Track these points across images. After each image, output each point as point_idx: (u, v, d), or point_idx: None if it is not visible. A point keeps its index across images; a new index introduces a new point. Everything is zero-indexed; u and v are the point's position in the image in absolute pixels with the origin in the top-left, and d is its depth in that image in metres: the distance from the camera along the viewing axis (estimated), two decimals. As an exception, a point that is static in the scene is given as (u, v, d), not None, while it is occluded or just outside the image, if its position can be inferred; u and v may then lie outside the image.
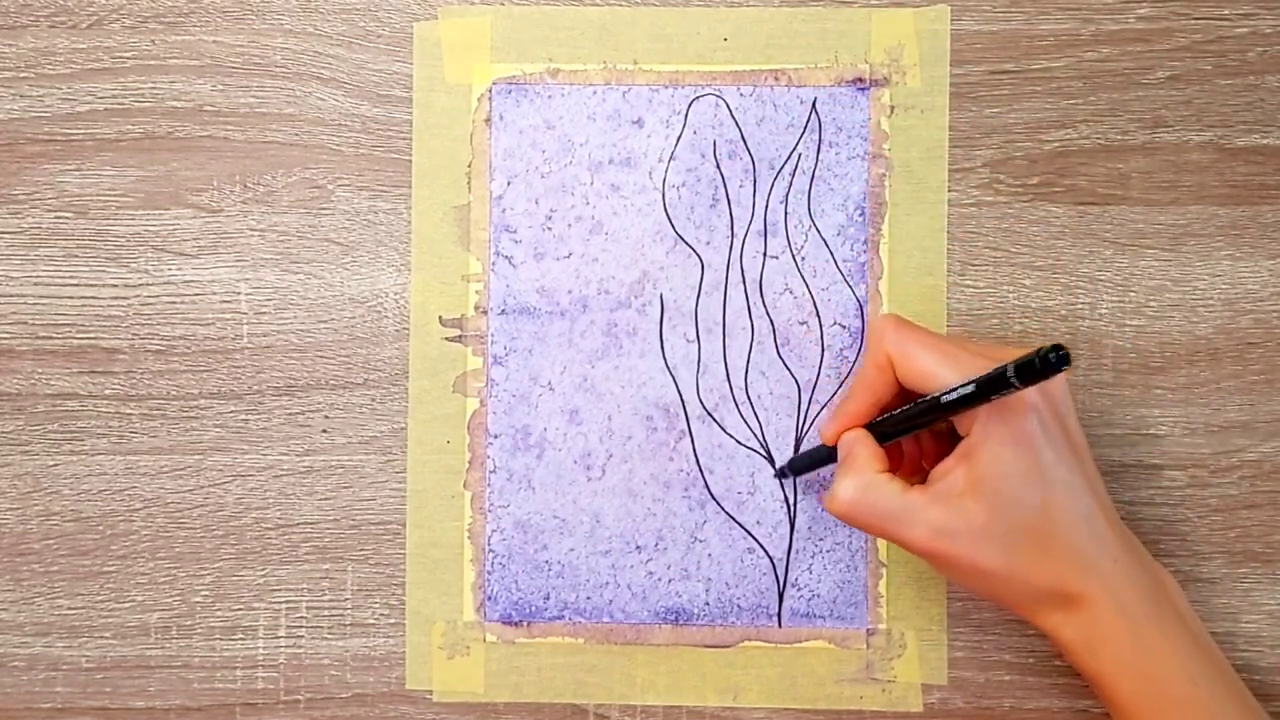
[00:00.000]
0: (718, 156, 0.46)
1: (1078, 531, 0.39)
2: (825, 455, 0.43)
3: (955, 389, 0.38)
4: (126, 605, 0.47)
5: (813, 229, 0.46)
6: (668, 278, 0.46)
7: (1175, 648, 0.39)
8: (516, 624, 0.46)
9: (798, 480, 0.46)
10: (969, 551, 0.38)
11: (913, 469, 0.44)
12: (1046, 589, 0.39)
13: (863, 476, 0.40)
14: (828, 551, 0.46)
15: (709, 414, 0.46)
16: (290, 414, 0.46)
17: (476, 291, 0.46)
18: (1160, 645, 0.39)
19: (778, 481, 0.46)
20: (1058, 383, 0.40)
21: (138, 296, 0.47)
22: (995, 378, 0.36)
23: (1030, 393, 0.38)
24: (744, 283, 0.46)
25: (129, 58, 0.47)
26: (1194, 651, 0.39)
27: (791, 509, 0.46)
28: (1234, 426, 0.46)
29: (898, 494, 0.39)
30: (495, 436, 0.46)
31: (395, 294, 0.46)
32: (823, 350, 0.46)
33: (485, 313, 0.46)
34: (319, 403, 0.46)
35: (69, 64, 0.47)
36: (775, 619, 0.46)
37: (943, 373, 0.39)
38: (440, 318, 0.46)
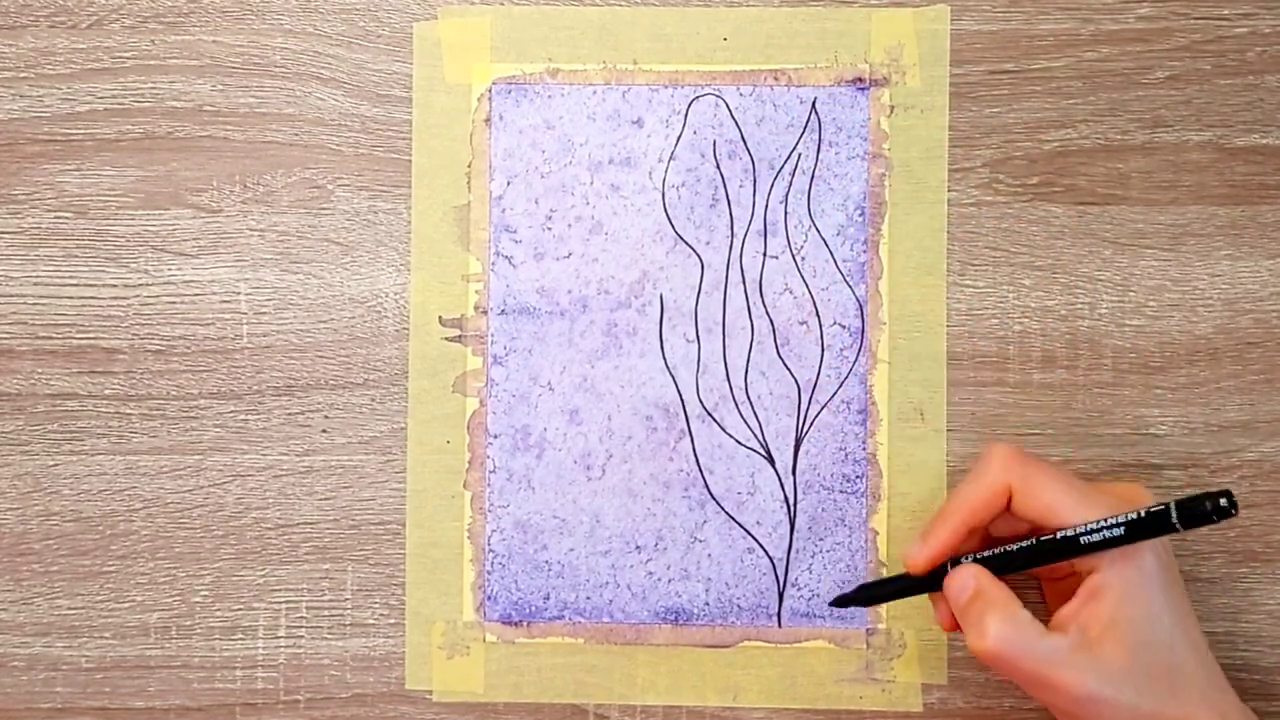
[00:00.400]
0: (718, 156, 0.46)
1: (1196, 664, 0.38)
2: (911, 585, 0.42)
3: (1099, 528, 0.36)
4: (126, 605, 0.47)
5: (813, 229, 0.46)
6: (668, 278, 0.46)
7: None
8: (516, 624, 0.46)
9: (798, 480, 0.46)
10: (1113, 694, 0.37)
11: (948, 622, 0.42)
12: None
13: (1010, 613, 0.38)
14: (828, 551, 0.46)
15: (709, 414, 0.46)
16: (290, 414, 0.46)
17: (476, 291, 0.46)
18: None
19: (777, 481, 0.46)
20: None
21: (138, 296, 0.47)
22: (1152, 519, 0.35)
23: None
24: (744, 283, 0.46)
25: (129, 58, 0.47)
26: None
27: (791, 509, 0.46)
28: (1234, 426, 0.46)
29: (1045, 636, 0.38)
30: (495, 436, 0.46)
31: (395, 294, 0.46)
32: (823, 350, 0.46)
33: (485, 313, 0.46)
34: (319, 403, 0.46)
35: (69, 64, 0.47)
36: (775, 619, 0.46)
37: (1072, 508, 0.38)
38: (440, 318, 0.46)
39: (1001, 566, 0.40)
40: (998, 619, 0.38)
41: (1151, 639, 0.37)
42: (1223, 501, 0.33)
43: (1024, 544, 0.39)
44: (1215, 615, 0.46)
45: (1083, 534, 0.37)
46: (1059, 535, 0.38)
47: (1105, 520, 0.37)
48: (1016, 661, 0.38)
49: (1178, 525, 0.34)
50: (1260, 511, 0.46)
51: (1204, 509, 0.33)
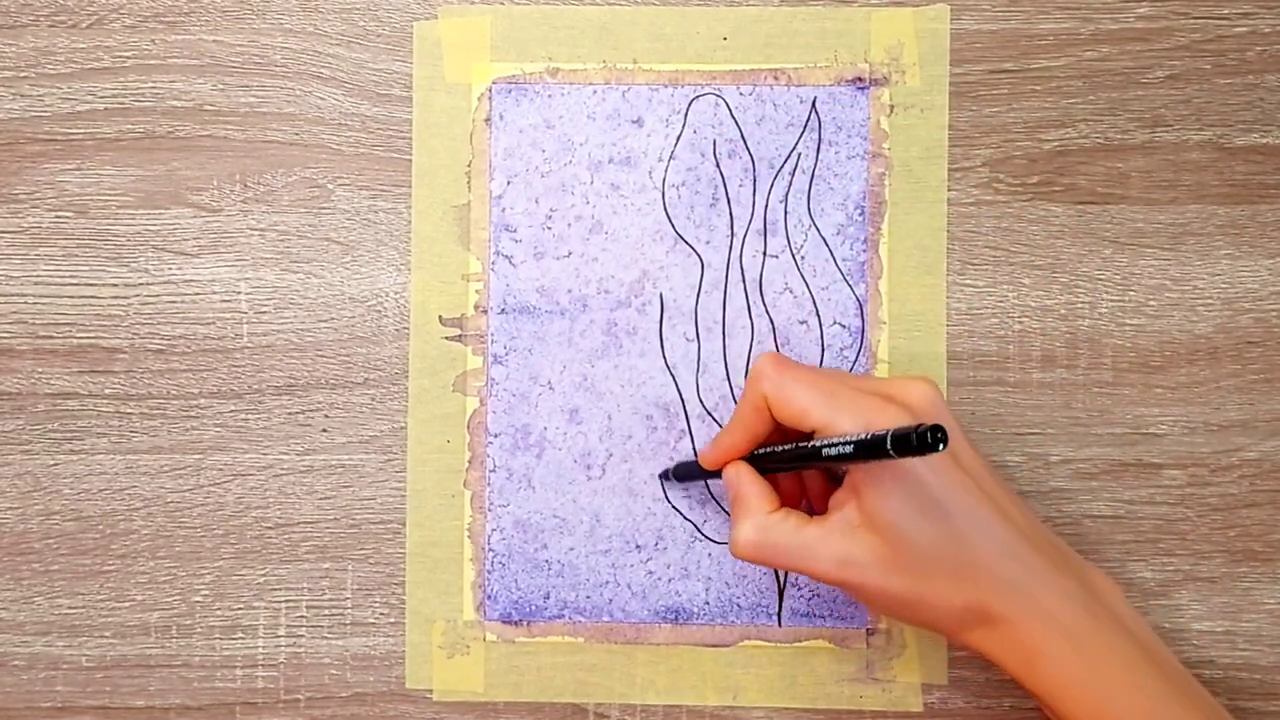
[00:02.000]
0: (717, 156, 0.46)
1: (992, 557, 0.38)
2: (708, 473, 0.43)
3: (834, 444, 0.37)
4: (126, 605, 0.47)
5: (812, 228, 0.46)
6: (668, 277, 0.46)
7: (1115, 656, 0.38)
8: (516, 623, 0.46)
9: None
10: (876, 580, 0.38)
11: (796, 498, 0.43)
12: (964, 611, 0.38)
13: (757, 519, 0.40)
14: (828, 551, 0.46)
15: (709, 414, 0.46)
16: (290, 413, 0.46)
17: (476, 291, 0.46)
18: (1099, 656, 0.38)
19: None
20: (930, 401, 0.39)
21: (138, 296, 0.47)
22: (872, 444, 0.35)
23: (908, 421, 0.37)
24: (744, 282, 0.46)
25: (129, 58, 0.47)
26: (1138, 658, 0.38)
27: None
28: (1234, 426, 0.46)
29: (795, 530, 0.39)
30: (495, 436, 0.46)
31: (395, 293, 0.46)
32: (823, 350, 0.46)
33: (485, 312, 0.46)
34: (319, 402, 0.47)
35: (69, 64, 0.47)
36: (775, 618, 0.46)
37: (818, 411, 0.38)
38: (440, 317, 0.46)
39: (769, 466, 0.41)
40: (745, 523, 0.40)
41: (916, 530, 0.38)
42: (930, 437, 0.33)
43: (782, 447, 0.40)
44: (1215, 615, 0.46)
45: (822, 446, 0.38)
46: (806, 445, 0.39)
47: (838, 438, 0.37)
48: (765, 557, 0.40)
49: (891, 453, 0.35)
50: (1260, 511, 0.46)
51: (912, 444, 0.34)
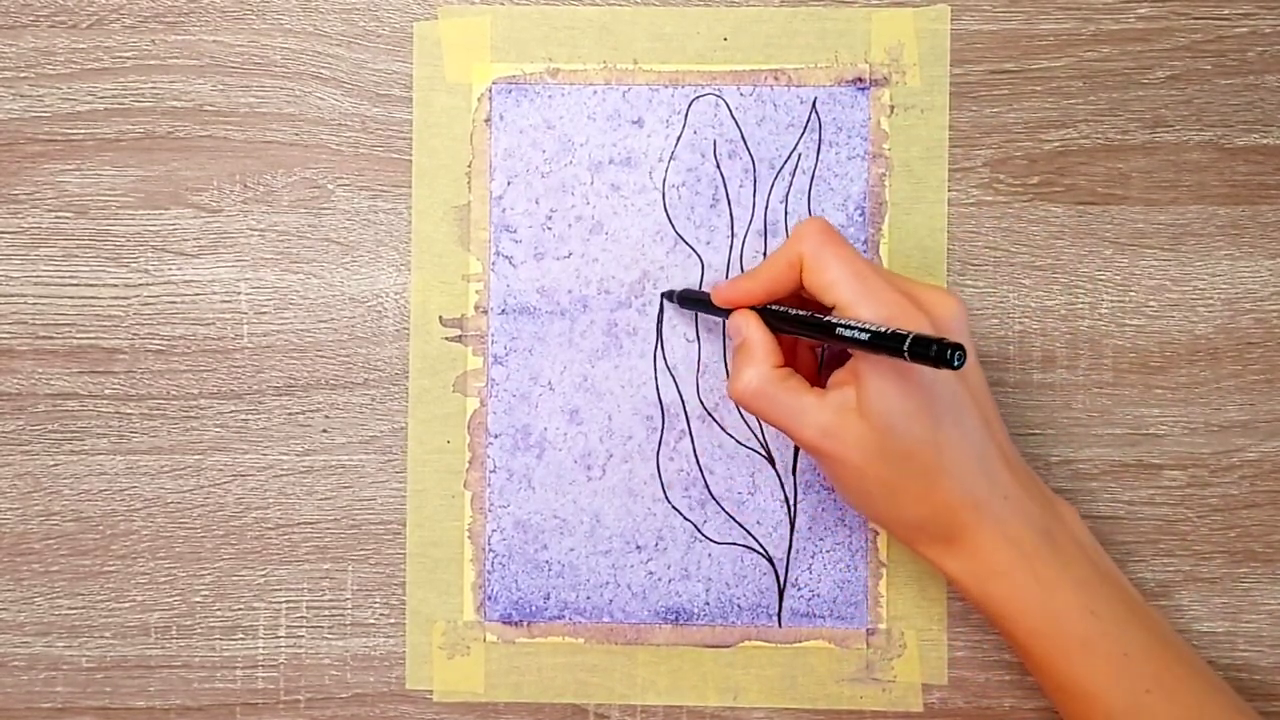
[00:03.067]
0: (718, 156, 0.46)
1: (966, 467, 0.39)
2: (715, 310, 0.43)
3: (851, 327, 0.37)
4: (126, 605, 0.47)
5: (813, 229, 0.46)
6: (668, 277, 0.46)
7: (1072, 581, 0.39)
8: (516, 624, 0.46)
9: (798, 480, 0.46)
10: (856, 457, 0.39)
11: (795, 359, 0.43)
12: (930, 518, 0.39)
13: (762, 369, 0.40)
14: (828, 551, 0.46)
15: (709, 414, 0.46)
16: (290, 414, 0.46)
17: (476, 291, 0.46)
18: (1055, 579, 0.39)
19: (777, 481, 0.46)
20: (956, 319, 0.39)
21: (138, 296, 0.47)
22: (889, 339, 0.36)
23: (927, 329, 0.38)
24: (744, 282, 0.46)
25: (129, 58, 0.47)
26: (1094, 584, 0.39)
27: (791, 509, 0.46)
28: (1234, 426, 0.46)
29: (794, 392, 0.40)
30: (495, 436, 0.46)
31: (395, 294, 0.46)
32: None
33: (485, 312, 0.46)
34: (319, 403, 0.46)
35: (69, 64, 0.47)
36: (775, 619, 0.46)
37: (846, 290, 0.39)
38: (440, 317, 0.46)
39: (779, 324, 0.41)
40: (750, 370, 0.40)
41: (906, 429, 0.38)
42: (949, 353, 0.34)
43: (798, 311, 0.40)
44: (1215, 615, 0.46)
45: (839, 325, 0.38)
46: (824, 318, 0.39)
47: (857, 322, 0.37)
48: (759, 406, 0.40)
49: (905, 355, 0.35)
50: (1260, 511, 0.46)
51: (929, 353, 0.34)
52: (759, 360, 0.40)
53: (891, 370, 0.38)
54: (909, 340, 0.35)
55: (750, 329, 0.41)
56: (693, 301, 0.45)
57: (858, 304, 0.38)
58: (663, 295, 0.46)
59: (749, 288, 0.42)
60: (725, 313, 0.43)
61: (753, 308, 0.42)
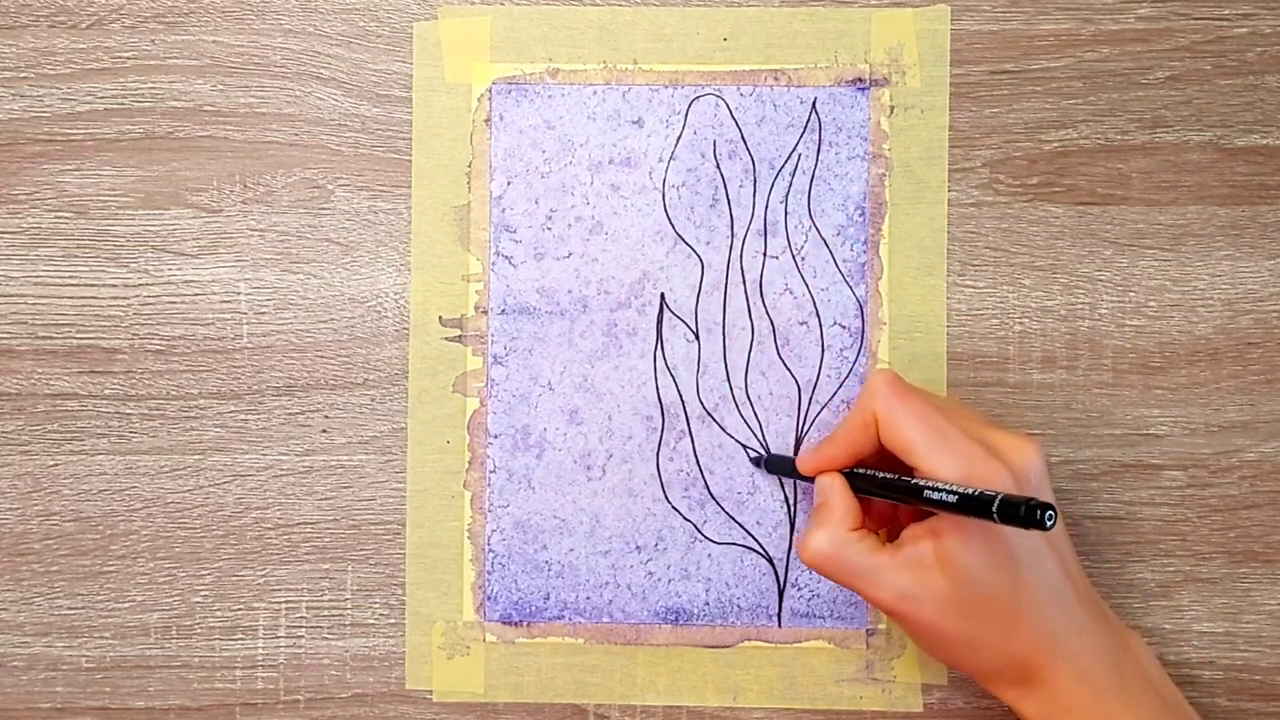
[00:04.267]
0: (718, 156, 0.46)
1: (1044, 610, 0.39)
2: (800, 474, 0.43)
3: (939, 490, 0.37)
4: (126, 605, 0.47)
5: (813, 229, 0.46)
6: (668, 278, 0.46)
7: (1139, 715, 0.39)
8: (516, 624, 0.46)
9: (798, 481, 0.46)
10: (931, 618, 0.39)
11: (881, 520, 0.44)
12: (1009, 662, 0.39)
13: (835, 532, 0.40)
14: (828, 551, 0.46)
15: (709, 414, 0.46)
16: (290, 414, 0.46)
17: (476, 291, 0.46)
18: (1123, 712, 0.39)
19: (777, 481, 0.46)
20: (1034, 468, 0.39)
21: (138, 296, 0.47)
22: (977, 502, 0.36)
23: (1008, 481, 0.38)
24: (744, 283, 0.46)
25: (129, 58, 0.47)
26: (1160, 717, 0.39)
27: (792, 509, 0.46)
28: (1234, 426, 0.46)
29: (867, 553, 0.39)
30: (495, 436, 0.46)
31: (395, 294, 0.46)
32: (823, 350, 0.46)
33: (485, 313, 0.46)
34: (319, 403, 0.46)
35: (69, 64, 0.47)
36: (775, 619, 0.46)
37: (926, 451, 0.39)
38: (440, 318, 0.46)
39: (865, 488, 0.41)
40: (822, 533, 0.40)
41: (985, 578, 0.38)
42: (1039, 513, 0.34)
43: (885, 475, 0.41)
44: (1215, 615, 0.46)
45: (925, 488, 0.38)
46: (910, 480, 0.39)
47: (943, 485, 0.37)
48: (830, 569, 0.40)
49: (995, 517, 0.35)
50: (1260, 512, 0.46)
51: (1019, 515, 0.34)
52: (834, 522, 0.40)
53: (975, 524, 0.38)
54: (997, 503, 0.35)
55: (832, 491, 0.41)
56: (781, 467, 0.45)
57: (937, 461, 0.38)
58: (752, 461, 0.46)
59: (831, 454, 0.42)
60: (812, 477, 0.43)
61: (839, 471, 0.42)
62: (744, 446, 0.46)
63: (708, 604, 0.46)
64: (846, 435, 0.42)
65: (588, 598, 0.46)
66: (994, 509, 0.35)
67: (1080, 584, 0.40)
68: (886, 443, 0.40)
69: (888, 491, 0.40)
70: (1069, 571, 0.40)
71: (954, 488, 0.37)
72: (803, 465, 0.43)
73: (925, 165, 0.46)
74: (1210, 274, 0.46)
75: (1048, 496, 0.40)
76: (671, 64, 0.46)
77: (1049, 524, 0.34)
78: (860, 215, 0.46)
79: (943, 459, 0.38)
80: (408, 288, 0.46)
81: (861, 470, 0.42)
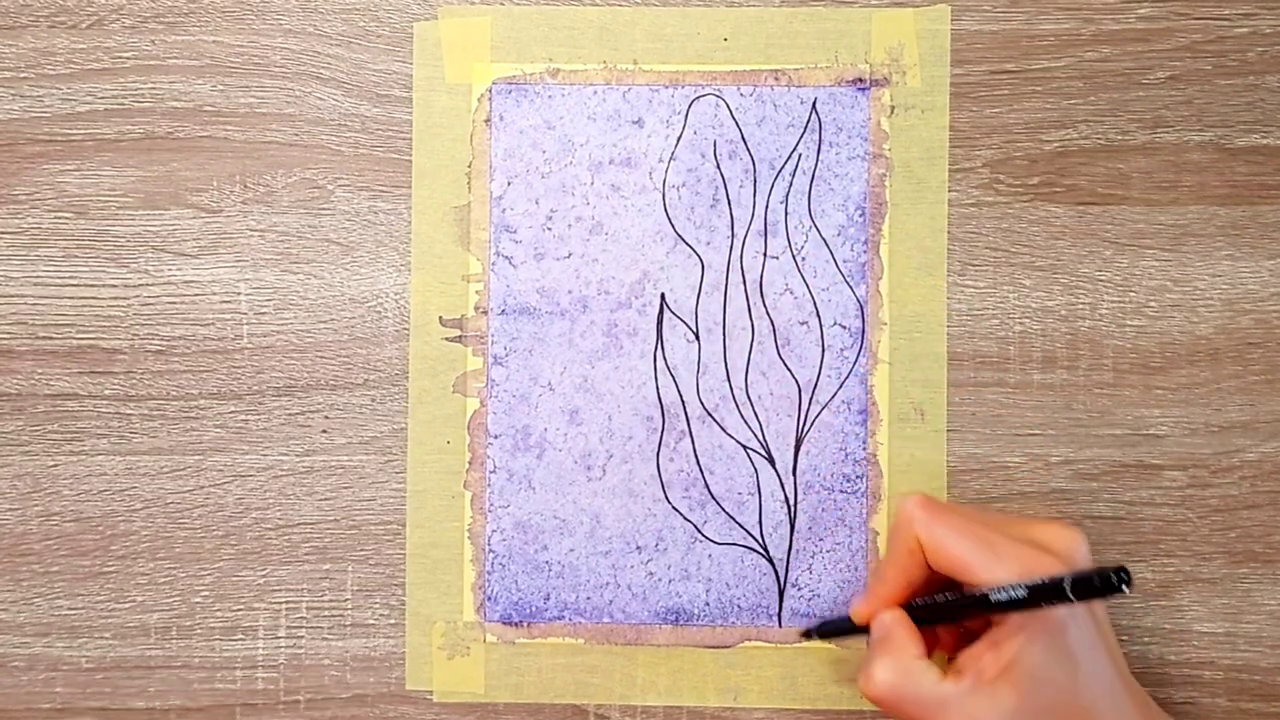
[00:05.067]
0: (718, 156, 0.46)
1: (1101, 702, 0.38)
2: (858, 629, 0.43)
3: (1005, 590, 0.37)
4: (126, 605, 0.46)
5: (813, 229, 0.46)
6: (668, 278, 0.46)
7: None
8: (517, 624, 0.46)
9: (798, 480, 0.46)
10: None
11: (938, 643, 0.43)
12: None
13: (900, 661, 0.39)
14: (828, 551, 0.46)
15: (709, 414, 0.46)
16: (290, 414, 0.46)
17: (476, 291, 0.46)
18: None
19: (777, 481, 0.46)
20: (1081, 551, 0.39)
21: (138, 296, 0.47)
22: (1050, 590, 0.36)
23: (1063, 570, 0.38)
24: (744, 283, 0.46)
25: (129, 58, 0.47)
26: None
27: (791, 509, 0.46)
28: (1234, 426, 0.46)
29: (935, 683, 0.39)
30: (495, 436, 0.46)
31: (395, 294, 0.46)
32: (823, 350, 0.46)
33: (485, 313, 0.46)
34: (319, 403, 0.46)
35: (69, 64, 0.47)
36: (776, 619, 0.46)
37: (981, 563, 0.39)
38: (440, 318, 0.46)
39: (928, 617, 0.41)
40: (884, 665, 0.39)
41: (1048, 681, 0.38)
42: (1115, 578, 0.34)
43: (945, 597, 0.40)
44: (1215, 615, 0.46)
45: (992, 594, 0.38)
46: (972, 593, 0.39)
47: (1009, 585, 0.38)
48: (897, 703, 0.39)
49: (1072, 597, 0.35)
50: (1260, 512, 0.46)
51: (1094, 586, 0.34)
52: (898, 651, 0.40)
53: (1038, 626, 0.38)
54: (1069, 581, 0.35)
55: (891, 624, 0.41)
56: (836, 630, 0.44)
57: (992, 570, 0.38)
58: (801, 634, 0.45)
59: (884, 593, 0.41)
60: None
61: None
62: (766, 458, 0.46)
63: (708, 604, 0.46)
64: (894, 569, 0.41)
65: (588, 598, 0.46)
66: (1068, 588, 0.35)
67: (1126, 675, 0.40)
68: (935, 565, 0.40)
69: (951, 612, 0.40)
70: (1118, 664, 0.39)
71: (1021, 583, 0.37)
72: (858, 615, 0.42)
73: (925, 165, 0.46)
74: (1210, 274, 0.46)
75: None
76: (672, 64, 0.46)
77: (1126, 587, 0.34)
78: (860, 215, 0.46)
79: (997, 566, 0.38)
80: (408, 288, 0.46)
81: (917, 602, 0.41)
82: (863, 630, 0.43)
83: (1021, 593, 0.37)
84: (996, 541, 0.39)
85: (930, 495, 0.41)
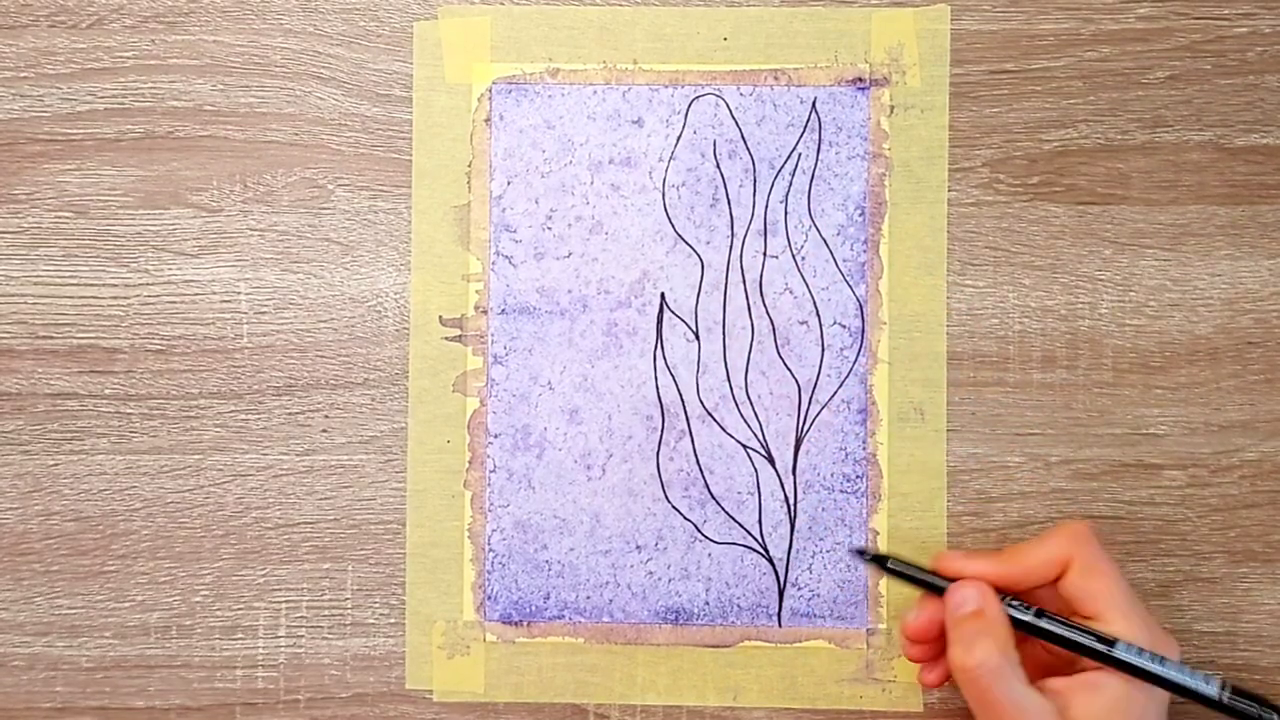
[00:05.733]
0: (718, 156, 0.46)
1: None
2: (931, 584, 0.42)
3: (1143, 654, 0.38)
4: (126, 605, 0.47)
5: (813, 229, 0.46)
6: (668, 277, 0.46)
7: None
8: (516, 624, 0.46)
9: (798, 480, 0.46)
10: None
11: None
12: None
13: (1004, 647, 0.39)
14: (828, 551, 0.46)
15: (709, 414, 0.46)
16: (290, 414, 0.46)
17: (476, 291, 0.46)
18: None
19: (777, 480, 0.46)
20: (1178, 656, 0.40)
21: (138, 296, 0.47)
22: (1195, 689, 0.37)
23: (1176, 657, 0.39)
24: (744, 282, 0.46)
25: (129, 58, 0.47)
26: None
27: (791, 509, 0.46)
28: (1234, 426, 0.46)
29: (1023, 684, 0.38)
30: (495, 436, 0.46)
31: (395, 294, 0.46)
32: (823, 350, 0.46)
33: (485, 312, 0.46)
34: (319, 403, 0.46)
35: (69, 64, 0.47)
36: (775, 619, 0.46)
37: (1120, 612, 0.39)
38: (440, 317, 0.46)
39: (1023, 624, 0.40)
40: (990, 644, 0.39)
41: None
42: (1263, 712, 0.35)
43: (1063, 620, 0.40)
44: (1215, 615, 0.46)
45: (1123, 650, 0.38)
46: (1092, 632, 0.39)
47: (1158, 657, 0.38)
48: (990, 692, 0.38)
49: (1222, 703, 0.36)
50: (1260, 511, 0.46)
51: (1247, 711, 0.36)
52: (998, 636, 0.39)
53: (1140, 692, 0.38)
54: (1227, 689, 0.36)
55: (989, 602, 0.40)
56: (907, 574, 0.42)
57: (1128, 620, 0.39)
58: (854, 551, 0.45)
59: (989, 569, 0.40)
60: (935, 588, 0.41)
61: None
62: (766, 458, 0.46)
63: (708, 604, 0.46)
64: (1016, 560, 0.41)
65: (588, 597, 0.46)
66: (1221, 693, 0.36)
67: None
68: (1074, 588, 0.40)
69: (1058, 638, 0.39)
70: None
71: (1169, 668, 0.38)
72: (949, 567, 0.41)
73: (925, 165, 0.46)
74: (1210, 274, 0.46)
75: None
76: (671, 64, 0.46)
77: None
78: (860, 215, 0.46)
79: (1134, 621, 0.39)
80: (408, 287, 0.46)
81: (1022, 604, 0.40)
82: (928, 585, 0.41)
83: (1159, 661, 0.37)
84: (1138, 601, 0.39)
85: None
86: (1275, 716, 0.35)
